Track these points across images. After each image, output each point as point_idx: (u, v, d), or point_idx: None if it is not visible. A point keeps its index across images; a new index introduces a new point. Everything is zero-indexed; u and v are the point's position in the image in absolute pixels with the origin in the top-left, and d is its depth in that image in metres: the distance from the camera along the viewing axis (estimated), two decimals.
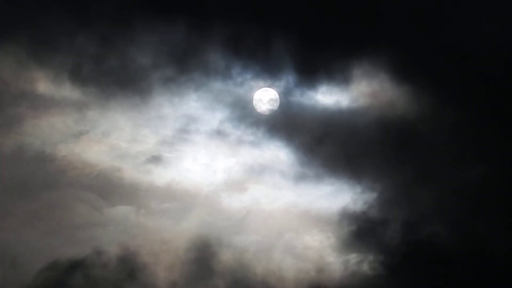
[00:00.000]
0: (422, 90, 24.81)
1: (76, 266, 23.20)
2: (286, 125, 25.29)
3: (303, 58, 25.10)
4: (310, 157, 24.94)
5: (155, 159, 25.13)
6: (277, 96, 24.94)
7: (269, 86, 25.20)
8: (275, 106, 24.94)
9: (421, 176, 24.43)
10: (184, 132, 25.26)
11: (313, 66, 25.13)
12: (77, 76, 24.42)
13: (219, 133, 25.30)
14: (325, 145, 24.88)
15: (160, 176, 25.02)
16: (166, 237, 24.10)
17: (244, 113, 25.32)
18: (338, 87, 25.29)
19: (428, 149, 24.52)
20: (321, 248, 24.32)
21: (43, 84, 24.55)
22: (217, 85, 25.02)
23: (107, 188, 24.76)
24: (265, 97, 25.11)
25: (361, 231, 24.45)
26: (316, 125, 25.02)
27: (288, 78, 25.25)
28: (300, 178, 25.11)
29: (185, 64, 24.74)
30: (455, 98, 24.50)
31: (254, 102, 25.22)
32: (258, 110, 25.07)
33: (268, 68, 25.08)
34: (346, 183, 24.85)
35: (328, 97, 25.43)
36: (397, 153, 24.67)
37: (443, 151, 24.44)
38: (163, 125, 25.22)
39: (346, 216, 24.65)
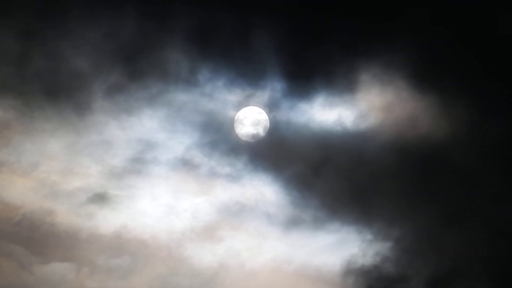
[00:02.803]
0: (452, 102, 23.46)
1: None
2: (274, 151, 23.86)
3: (294, 58, 23.77)
4: (305, 195, 23.55)
5: (100, 199, 23.64)
6: (266, 116, 23.78)
7: (248, 97, 23.78)
8: (261, 130, 23.85)
9: (452, 216, 23.02)
10: (137, 162, 23.73)
11: (307, 69, 23.80)
12: None
13: (185, 164, 23.77)
14: (324, 178, 23.48)
15: (107, 221, 23.50)
16: None
17: (218, 137, 23.84)
18: (340, 98, 23.84)
19: (461, 181, 23.11)
20: None
21: None
22: (180, 96, 23.60)
23: (36, 238, 23.25)
24: (249, 117, 23.89)
25: None
26: (312, 151, 23.63)
27: (274, 86, 23.77)
28: (292, 223, 23.66)
29: (136, 67, 23.41)
30: (496, 112, 23.19)
31: (232, 122, 23.95)
32: (238, 133, 23.82)
33: (247, 72, 23.73)
34: (353, 228, 23.46)
35: (327, 111, 23.98)
36: (419, 187, 23.31)
37: (480, 182, 23.03)
38: (109, 153, 23.74)
39: (353, 272, 23.25)
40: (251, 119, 24.01)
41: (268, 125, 23.81)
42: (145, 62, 23.60)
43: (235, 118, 23.98)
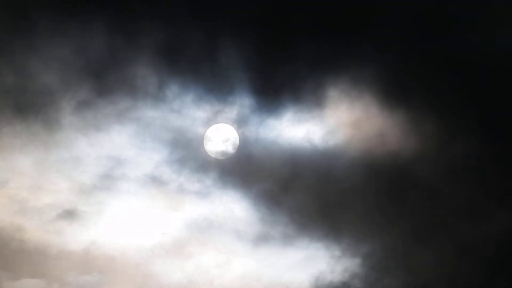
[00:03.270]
0: (421, 118, 23.48)
1: None
2: (242, 168, 23.81)
3: (262, 74, 23.63)
4: (274, 212, 23.44)
5: (69, 215, 23.41)
6: (235, 134, 23.78)
7: (217, 113, 23.68)
8: (230, 147, 23.79)
9: (420, 233, 23.07)
10: (107, 179, 23.54)
11: (276, 85, 23.67)
12: None
13: (154, 180, 23.62)
14: (293, 194, 23.41)
15: (76, 237, 23.32)
16: None
17: (187, 154, 23.63)
18: (309, 114, 23.75)
19: (429, 198, 23.19)
20: None
21: None
22: (148, 112, 23.40)
23: (6, 254, 22.95)
24: (218, 133, 23.83)
25: None
26: (281, 168, 23.60)
27: (243, 102, 23.69)
28: (261, 239, 23.59)
29: (104, 83, 23.09)
30: (464, 128, 23.19)
31: (201, 138, 23.78)
32: (207, 150, 23.71)
33: (215, 88, 23.61)
34: (322, 244, 23.38)
35: (296, 127, 23.88)
36: (388, 204, 23.36)
37: (448, 199, 23.10)
38: (78, 169, 23.46)
39: None
40: (220, 136, 23.82)
41: (237, 142, 23.70)
42: (113, 77, 23.24)
43: (205, 135, 23.78)
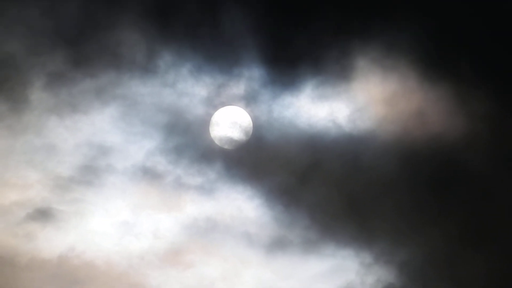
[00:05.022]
0: (469, 93, 22.37)
1: None
2: (253, 156, 22.54)
3: (275, 39, 22.51)
4: (292, 211, 22.29)
5: (42, 216, 21.93)
6: (246, 117, 22.59)
7: (219, 87, 22.42)
8: (242, 134, 22.63)
9: (470, 235, 21.80)
10: (87, 171, 22.20)
11: (292, 53, 22.49)
12: None
13: (146, 173, 22.35)
14: (314, 189, 22.17)
15: (51, 243, 21.76)
16: None
17: (186, 140, 22.36)
18: (332, 88, 22.49)
19: (480, 191, 21.97)
20: None
21: None
22: (136, 87, 22.04)
23: None
24: (225, 117, 22.66)
25: None
26: (299, 155, 22.43)
27: (252, 74, 22.46)
28: (277, 246, 22.37)
29: (81, 51, 21.75)
30: None
31: (203, 121, 22.55)
32: (211, 136, 22.41)
33: (217, 57, 22.36)
34: (350, 250, 22.22)
35: (316, 105, 22.65)
36: (429, 199, 22.11)
37: (504, 193, 21.96)
38: (53, 159, 22.10)
39: None
40: (227, 119, 22.66)
41: (249, 127, 22.84)
42: (92, 45, 22.03)
43: (207, 117, 22.49)
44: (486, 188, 21.94)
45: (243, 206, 22.41)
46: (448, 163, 22.19)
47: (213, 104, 22.55)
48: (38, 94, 21.99)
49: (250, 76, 22.54)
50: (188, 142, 22.22)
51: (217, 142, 22.29)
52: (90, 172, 21.96)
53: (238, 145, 22.63)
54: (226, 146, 22.49)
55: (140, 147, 22.06)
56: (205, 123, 22.45)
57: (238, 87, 22.72)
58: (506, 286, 21.66)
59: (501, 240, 21.88)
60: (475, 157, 22.15)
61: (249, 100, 22.90)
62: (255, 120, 22.96)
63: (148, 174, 22.08)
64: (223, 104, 22.62)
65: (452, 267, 21.66)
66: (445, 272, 21.65)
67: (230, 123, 22.47)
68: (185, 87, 22.55)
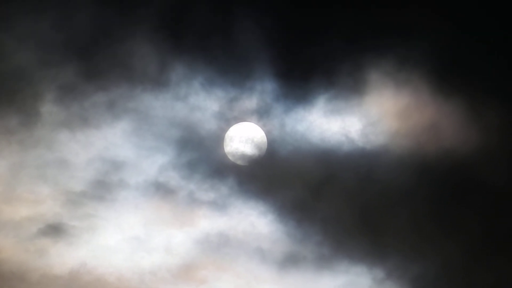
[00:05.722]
0: (483, 106, 22.26)
1: None
2: (266, 171, 22.54)
3: (288, 53, 22.48)
4: (305, 226, 22.22)
5: (53, 231, 21.87)
6: (262, 134, 22.56)
7: (231, 101, 22.42)
8: (256, 149, 22.59)
9: (485, 248, 21.73)
10: (100, 186, 22.13)
11: (304, 66, 22.44)
12: None
13: (159, 188, 22.24)
14: (327, 203, 22.15)
15: (62, 259, 21.67)
16: None
17: (200, 155, 22.32)
18: (345, 102, 22.55)
19: (495, 204, 21.88)
20: None
21: None
22: (147, 99, 22.02)
23: None
24: (241, 133, 22.62)
25: None
26: (312, 170, 22.41)
27: (264, 87, 22.44)
28: (290, 262, 22.21)
29: (92, 64, 21.70)
30: None
31: (216, 136, 22.57)
32: (224, 151, 22.42)
33: (230, 71, 22.26)
34: (363, 266, 22.11)
35: (329, 119, 22.71)
36: (443, 212, 22.06)
37: None
38: (65, 174, 22.05)
39: None
40: (240, 135, 22.64)
41: (263, 142, 22.77)
42: (104, 57, 22.01)
43: (220, 132, 22.41)
44: (500, 201, 21.76)
45: (256, 221, 22.36)
46: (461, 176, 21.99)
47: (225, 118, 22.46)
48: (49, 108, 21.94)
49: (263, 89, 22.51)
50: (201, 157, 22.15)
51: (230, 157, 22.28)
52: (102, 187, 21.92)
53: (251, 161, 22.57)
54: (239, 162, 22.39)
55: (153, 162, 22.02)
56: (218, 138, 22.35)
57: (251, 101, 22.69)
58: None
59: None
60: (489, 170, 21.95)
61: (261, 114, 22.81)
62: (266, 133, 22.85)
63: (161, 189, 22.02)
64: (235, 119, 22.55)
65: (465, 281, 21.48)
66: (460, 286, 21.41)
67: (243, 138, 22.49)
68: (197, 101, 22.48)
